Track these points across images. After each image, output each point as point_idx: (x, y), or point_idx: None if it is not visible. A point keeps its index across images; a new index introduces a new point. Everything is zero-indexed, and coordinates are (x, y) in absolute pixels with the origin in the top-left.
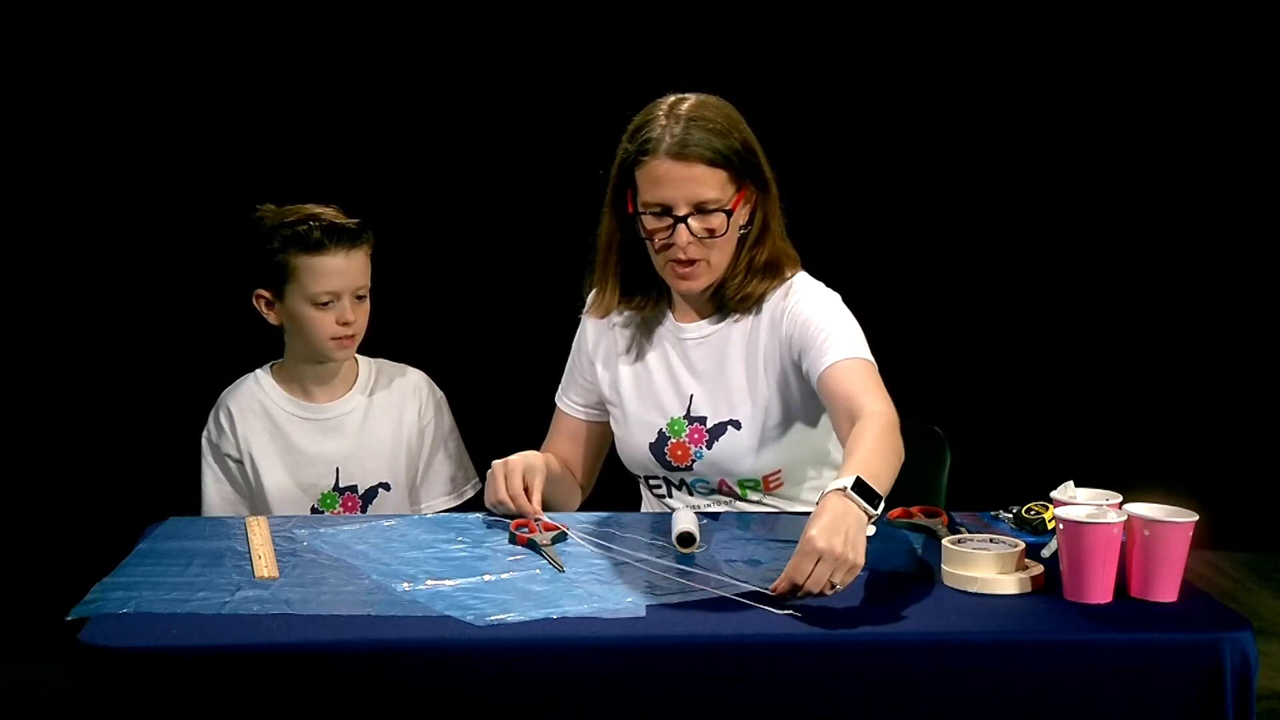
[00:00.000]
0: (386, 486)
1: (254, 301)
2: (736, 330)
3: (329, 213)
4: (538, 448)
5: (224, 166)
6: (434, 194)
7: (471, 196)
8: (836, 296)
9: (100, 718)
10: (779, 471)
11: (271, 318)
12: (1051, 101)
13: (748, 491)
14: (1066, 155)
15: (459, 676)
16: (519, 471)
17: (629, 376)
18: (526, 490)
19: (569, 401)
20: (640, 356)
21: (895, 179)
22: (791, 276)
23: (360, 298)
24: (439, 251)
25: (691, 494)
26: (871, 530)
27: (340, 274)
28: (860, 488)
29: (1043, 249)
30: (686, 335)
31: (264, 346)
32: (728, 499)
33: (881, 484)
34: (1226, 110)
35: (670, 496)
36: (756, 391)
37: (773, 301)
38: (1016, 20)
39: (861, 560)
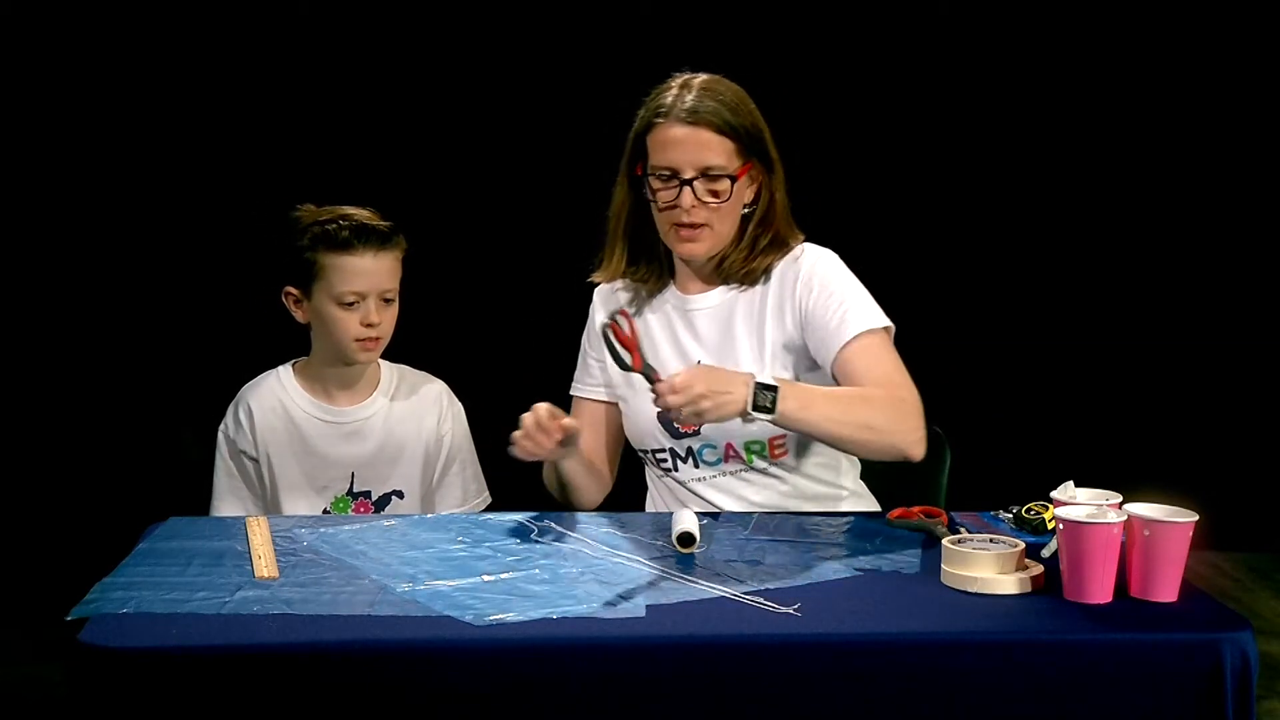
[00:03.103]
0: (400, 494)
1: (283, 298)
2: (743, 299)
3: (362, 214)
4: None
5: (256, 168)
6: (451, 200)
7: (485, 203)
8: (842, 266)
9: (100, 718)
10: (784, 436)
11: (299, 315)
12: (1052, 101)
13: (753, 457)
14: (1066, 155)
15: (459, 676)
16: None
17: None
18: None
19: (586, 386)
20: (645, 331)
21: (894, 179)
22: (796, 248)
23: (387, 301)
24: (454, 257)
25: (698, 465)
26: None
27: (367, 275)
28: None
29: (1043, 249)
30: (692, 306)
31: (268, 350)
32: (735, 468)
33: (811, 402)
34: (1226, 110)
35: (676, 470)
36: (764, 354)
37: (781, 267)
38: (1016, 20)
39: (702, 416)
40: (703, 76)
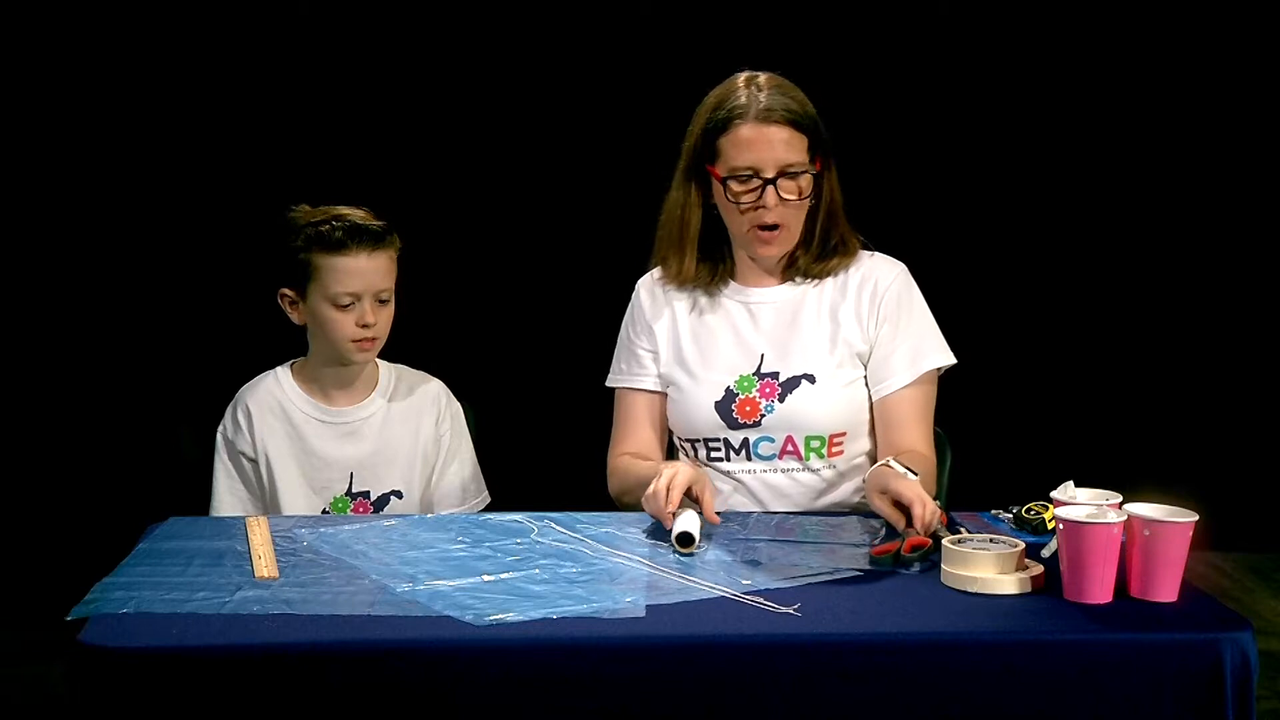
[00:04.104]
0: (399, 494)
1: (278, 300)
2: (812, 293)
3: (356, 214)
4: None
5: (256, 168)
6: (456, 199)
7: (491, 202)
8: (920, 296)
9: (100, 718)
10: (844, 434)
11: (295, 317)
12: (1052, 100)
13: (811, 455)
14: (1066, 155)
15: (459, 676)
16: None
17: (691, 340)
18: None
19: (636, 377)
20: (700, 320)
21: (893, 179)
22: (863, 250)
23: (383, 301)
24: (458, 257)
25: (750, 459)
26: None
27: (361, 275)
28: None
29: (1042, 248)
30: (755, 299)
31: (267, 349)
32: (788, 467)
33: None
34: (1227, 110)
35: (728, 460)
36: (835, 351)
37: (860, 273)
38: (1016, 20)
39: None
40: (765, 74)
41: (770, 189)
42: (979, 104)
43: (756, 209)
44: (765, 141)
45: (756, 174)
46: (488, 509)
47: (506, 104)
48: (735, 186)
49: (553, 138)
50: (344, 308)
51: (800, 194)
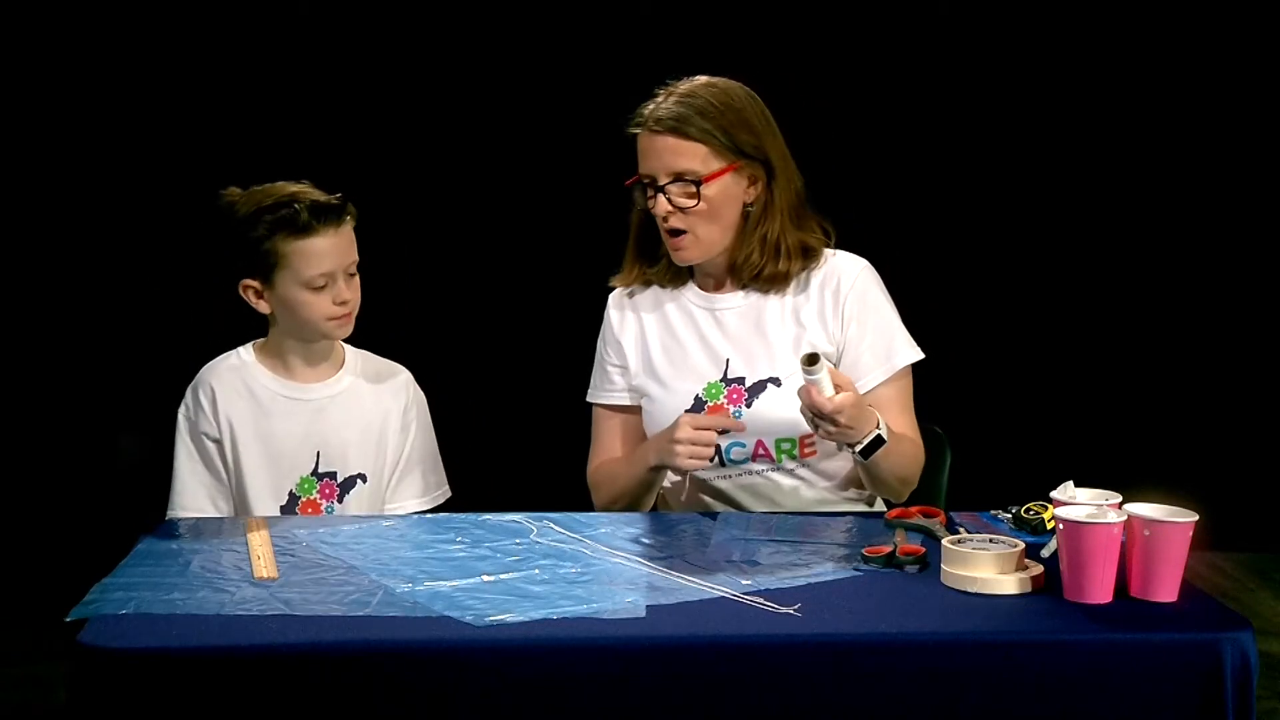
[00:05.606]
0: (364, 478)
1: (241, 292)
2: (773, 299)
3: (307, 190)
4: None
5: (202, 155)
6: (457, 202)
7: (477, 204)
8: (882, 285)
9: (100, 718)
10: (814, 435)
11: (262, 307)
12: (1052, 99)
13: (783, 457)
14: (1065, 154)
15: (458, 677)
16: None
17: (659, 350)
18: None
19: (607, 393)
20: (668, 330)
21: (892, 178)
22: (828, 253)
23: (352, 275)
24: (460, 259)
25: (723, 464)
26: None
27: (332, 253)
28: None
29: (1042, 247)
30: (719, 305)
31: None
32: (762, 468)
33: (890, 451)
34: (1227, 109)
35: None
36: (801, 349)
37: (820, 276)
38: (1016, 20)
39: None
40: (692, 82)
41: (660, 196)
42: (980, 104)
43: (657, 215)
44: (654, 150)
45: (652, 181)
46: (485, 509)
47: (497, 108)
48: (648, 193)
49: (549, 142)
50: (318, 289)
51: (691, 201)
